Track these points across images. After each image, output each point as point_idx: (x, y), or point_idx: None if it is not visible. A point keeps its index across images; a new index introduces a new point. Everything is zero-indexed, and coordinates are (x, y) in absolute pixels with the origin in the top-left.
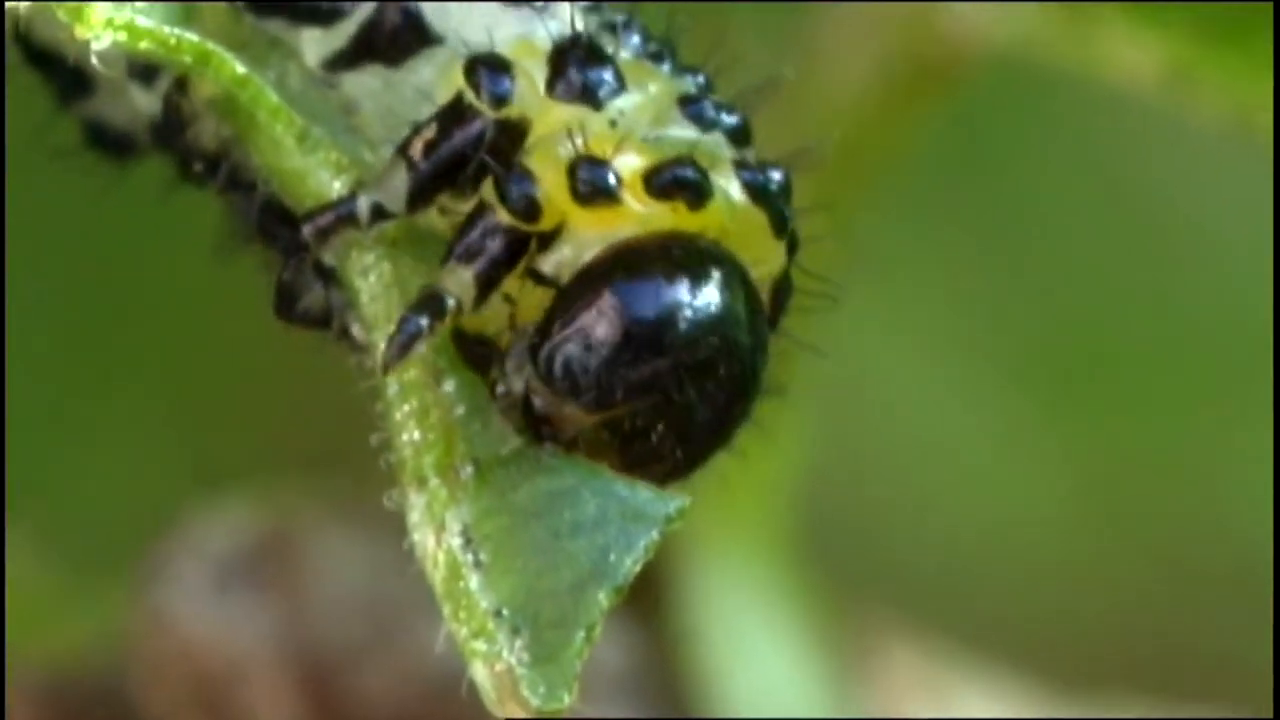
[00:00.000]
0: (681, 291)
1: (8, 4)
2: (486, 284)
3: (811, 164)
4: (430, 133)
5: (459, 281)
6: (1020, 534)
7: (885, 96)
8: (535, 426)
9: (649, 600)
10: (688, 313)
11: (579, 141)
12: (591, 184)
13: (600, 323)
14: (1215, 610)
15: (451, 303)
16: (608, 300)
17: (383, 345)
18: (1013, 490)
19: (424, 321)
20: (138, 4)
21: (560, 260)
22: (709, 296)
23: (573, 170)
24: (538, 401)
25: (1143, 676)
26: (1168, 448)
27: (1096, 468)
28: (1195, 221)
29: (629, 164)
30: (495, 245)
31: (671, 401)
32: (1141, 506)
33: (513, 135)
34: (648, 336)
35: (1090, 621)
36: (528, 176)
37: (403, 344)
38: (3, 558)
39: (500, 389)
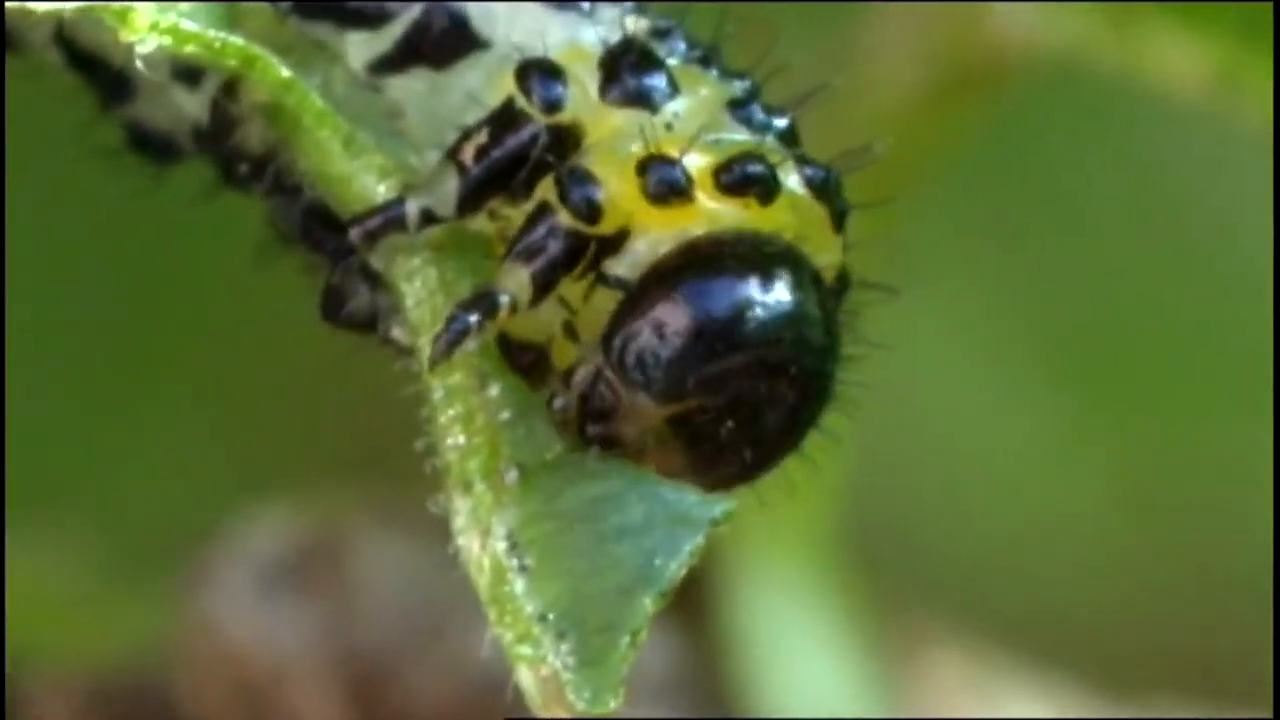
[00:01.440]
0: (756, 288)
1: (52, 5)
2: (544, 285)
3: (858, 166)
4: (481, 137)
5: (516, 280)
6: (1060, 535)
7: (929, 100)
8: (594, 431)
9: (692, 604)
10: (762, 309)
11: (641, 144)
12: (664, 182)
13: (674, 314)
14: (1254, 610)
15: (505, 300)
16: (682, 293)
17: (428, 347)
18: (1053, 492)
19: (473, 318)
20: (181, 6)
21: (634, 261)
22: (785, 294)
23: (642, 170)
24: (604, 396)
25: (1182, 676)
26: (1207, 450)
27: (1137, 469)
28: (1235, 227)
29: (696, 162)
30: (555, 246)
31: (743, 399)
32: (1180, 507)
33: (566, 140)
34: (721, 331)
35: (1128, 621)
36: (590, 179)
37: (450, 340)
38: (2, 557)
39: (558, 402)
